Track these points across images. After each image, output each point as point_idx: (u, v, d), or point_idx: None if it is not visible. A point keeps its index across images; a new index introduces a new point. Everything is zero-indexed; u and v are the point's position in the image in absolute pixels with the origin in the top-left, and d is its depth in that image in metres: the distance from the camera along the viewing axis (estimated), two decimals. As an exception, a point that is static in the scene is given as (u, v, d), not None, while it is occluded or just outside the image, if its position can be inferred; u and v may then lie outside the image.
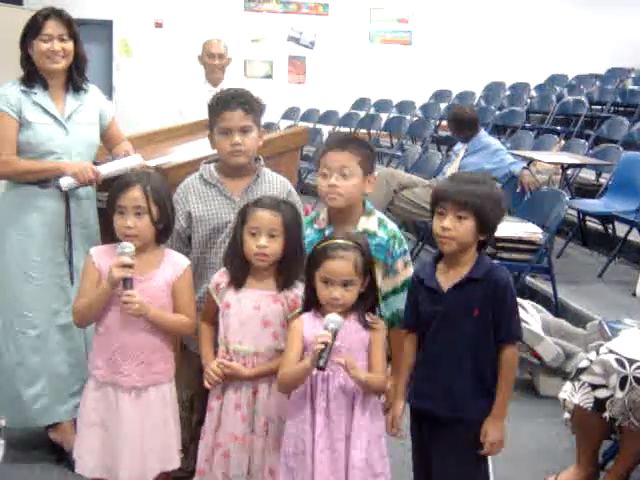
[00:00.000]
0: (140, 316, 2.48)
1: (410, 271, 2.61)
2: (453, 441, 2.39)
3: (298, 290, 2.47)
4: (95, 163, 3.20)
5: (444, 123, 10.13)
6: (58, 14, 3.11)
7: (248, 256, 2.45)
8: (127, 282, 2.46)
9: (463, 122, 6.03)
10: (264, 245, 2.41)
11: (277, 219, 2.42)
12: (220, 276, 2.55)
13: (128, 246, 2.47)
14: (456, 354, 2.37)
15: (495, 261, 2.56)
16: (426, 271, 2.44)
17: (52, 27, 3.07)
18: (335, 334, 2.23)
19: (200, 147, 3.67)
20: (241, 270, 2.48)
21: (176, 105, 5.25)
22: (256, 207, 2.45)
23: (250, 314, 2.46)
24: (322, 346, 2.19)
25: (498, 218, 2.39)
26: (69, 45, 3.11)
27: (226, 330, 2.50)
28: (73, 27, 3.13)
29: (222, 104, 2.72)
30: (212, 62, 5.25)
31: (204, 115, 3.97)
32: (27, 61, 3.13)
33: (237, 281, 2.49)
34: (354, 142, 2.63)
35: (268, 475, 2.47)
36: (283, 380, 2.37)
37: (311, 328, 2.36)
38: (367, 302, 2.38)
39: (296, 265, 2.46)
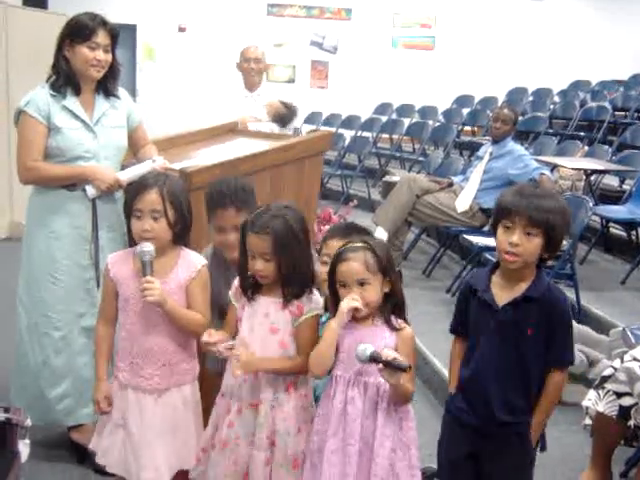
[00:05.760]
0: (159, 306, 2.47)
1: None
2: (501, 452, 2.37)
3: (305, 297, 2.45)
4: (122, 167, 3.23)
5: (467, 128, 10.14)
6: (107, 25, 3.14)
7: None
8: (146, 267, 2.46)
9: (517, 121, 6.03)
10: (259, 269, 2.40)
11: (266, 243, 2.36)
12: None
13: (147, 246, 2.47)
14: (505, 371, 2.32)
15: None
16: (480, 281, 2.39)
17: (102, 37, 3.10)
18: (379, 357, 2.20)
19: (224, 150, 3.69)
20: (251, 284, 2.48)
21: (212, 107, 5.34)
22: (248, 230, 2.41)
23: (260, 321, 2.46)
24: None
25: (564, 235, 2.33)
26: (109, 57, 3.15)
27: (238, 334, 2.50)
28: (116, 40, 3.17)
29: (215, 201, 2.73)
30: (248, 66, 5.41)
31: (237, 117, 3.98)
32: (64, 63, 3.13)
33: (248, 294, 2.48)
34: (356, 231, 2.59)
35: None
36: (313, 359, 2.33)
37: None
38: (392, 303, 2.35)
39: (299, 277, 2.42)
